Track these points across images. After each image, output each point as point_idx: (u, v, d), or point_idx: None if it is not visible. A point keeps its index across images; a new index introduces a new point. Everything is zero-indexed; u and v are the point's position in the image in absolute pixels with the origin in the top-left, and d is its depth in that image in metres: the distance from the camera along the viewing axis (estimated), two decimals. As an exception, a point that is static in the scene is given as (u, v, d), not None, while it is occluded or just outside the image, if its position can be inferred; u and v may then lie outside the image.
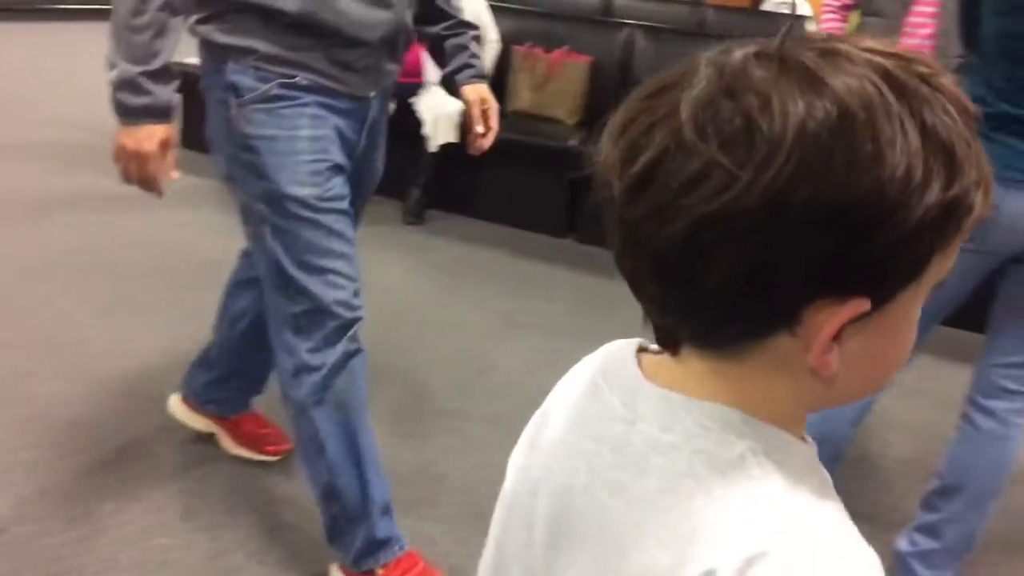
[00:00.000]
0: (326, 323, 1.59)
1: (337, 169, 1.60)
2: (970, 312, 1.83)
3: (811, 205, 0.44)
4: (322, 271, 1.58)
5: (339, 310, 1.59)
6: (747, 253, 0.46)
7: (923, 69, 0.47)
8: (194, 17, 1.57)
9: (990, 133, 1.66)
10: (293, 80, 1.54)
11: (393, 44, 1.65)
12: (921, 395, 2.54)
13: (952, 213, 0.46)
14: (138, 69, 1.47)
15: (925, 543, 1.89)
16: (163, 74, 1.50)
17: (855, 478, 2.20)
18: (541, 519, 0.61)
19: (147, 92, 1.49)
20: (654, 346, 0.59)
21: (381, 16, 1.58)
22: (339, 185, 1.60)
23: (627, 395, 0.57)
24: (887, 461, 2.39)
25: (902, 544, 1.93)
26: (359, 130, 1.67)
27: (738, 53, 0.48)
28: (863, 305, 0.47)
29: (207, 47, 1.58)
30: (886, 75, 0.46)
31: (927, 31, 2.63)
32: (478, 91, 1.87)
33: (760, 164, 0.44)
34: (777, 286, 0.47)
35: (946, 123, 0.46)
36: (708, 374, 0.53)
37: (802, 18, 5.51)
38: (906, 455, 2.42)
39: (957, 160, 0.46)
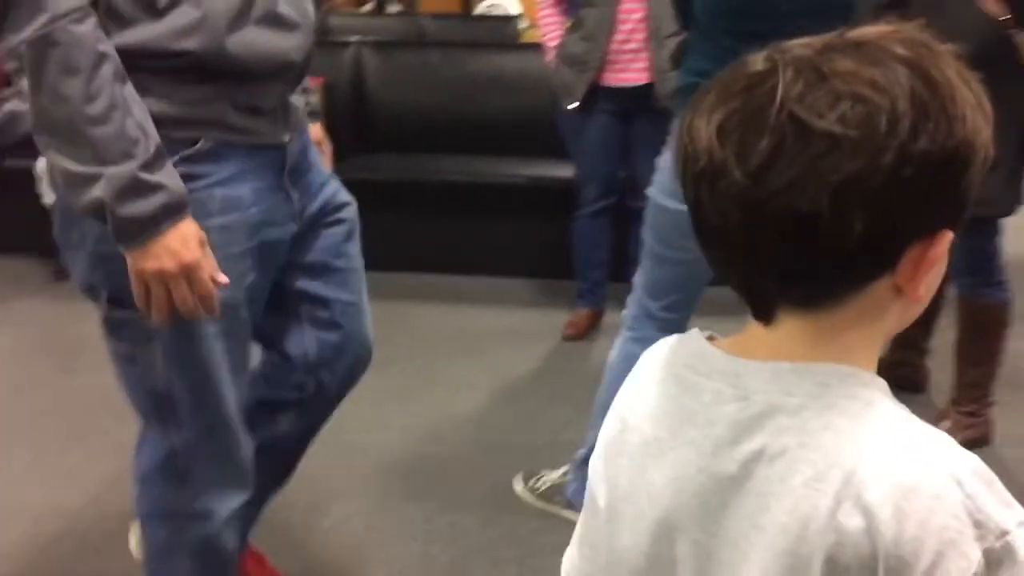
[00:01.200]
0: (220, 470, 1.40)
1: (247, 255, 1.33)
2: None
3: (928, 158, 0.54)
4: (220, 410, 1.36)
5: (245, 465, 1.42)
6: (874, 210, 0.55)
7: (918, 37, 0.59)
8: None
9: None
10: (195, 148, 1.24)
11: (301, 73, 1.39)
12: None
13: (990, 153, 0.58)
14: (132, 165, 1.12)
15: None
16: (161, 157, 1.16)
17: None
18: (650, 520, 0.66)
19: (157, 187, 1.15)
20: (707, 333, 0.67)
21: (291, 42, 1.31)
22: (251, 278, 1.35)
23: (730, 377, 0.63)
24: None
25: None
26: (279, 184, 1.38)
27: (800, 49, 0.58)
28: (949, 236, 0.58)
29: None
30: (912, 48, 0.57)
31: (639, 15, 2.77)
32: (315, 131, 1.64)
33: (887, 131, 0.54)
34: (895, 235, 0.57)
35: (966, 81, 0.58)
36: (807, 333, 0.61)
37: (514, 17, 5.70)
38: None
39: (986, 111, 0.58)
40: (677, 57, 1.93)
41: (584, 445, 2.09)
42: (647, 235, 1.95)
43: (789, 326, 0.62)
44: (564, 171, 3.28)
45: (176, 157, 1.21)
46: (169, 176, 1.17)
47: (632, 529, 0.68)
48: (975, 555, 0.54)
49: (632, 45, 2.80)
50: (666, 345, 0.70)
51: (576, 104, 2.90)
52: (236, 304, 1.32)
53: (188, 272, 1.18)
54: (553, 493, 2.16)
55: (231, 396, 1.37)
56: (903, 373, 2.66)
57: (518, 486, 2.20)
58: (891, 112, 0.54)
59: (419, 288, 3.52)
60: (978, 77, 0.59)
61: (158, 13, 1.18)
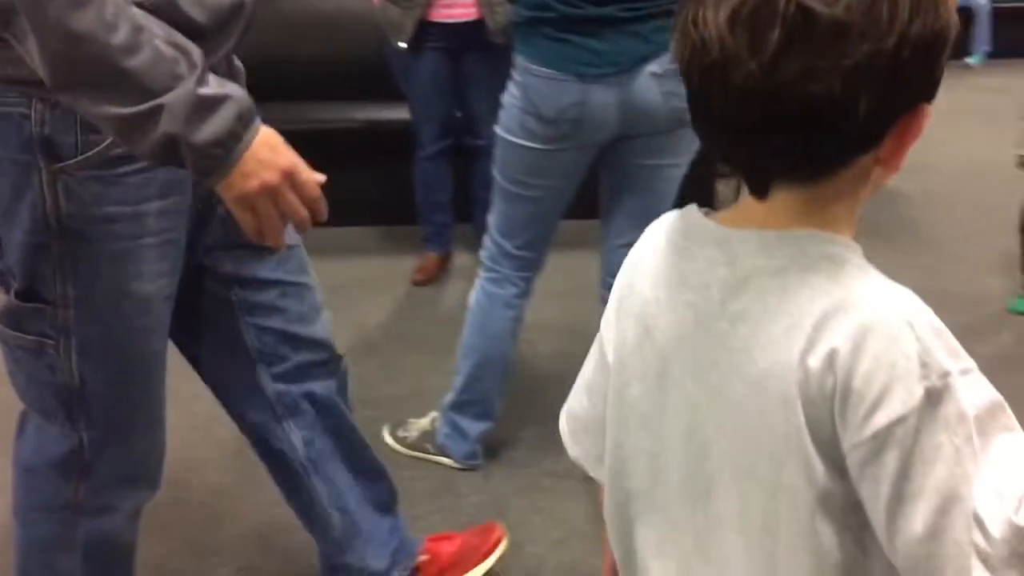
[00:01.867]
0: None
1: (183, 242, 1.21)
2: (581, 201, 1.96)
3: (922, 39, 0.61)
4: (139, 407, 1.25)
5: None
6: (877, 91, 0.60)
7: None
8: None
9: (559, 35, 1.74)
10: None
11: (248, 24, 1.20)
12: (563, 295, 2.70)
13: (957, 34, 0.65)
14: (189, 84, 0.96)
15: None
16: (206, 66, 0.99)
17: (524, 386, 2.29)
18: (653, 373, 0.74)
19: (222, 98, 0.98)
20: (704, 208, 0.74)
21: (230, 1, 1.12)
22: (178, 271, 1.23)
23: (721, 244, 0.70)
24: (541, 361, 2.54)
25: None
26: None
27: None
28: (928, 108, 0.65)
29: None
30: None
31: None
32: None
33: (888, 17, 0.59)
34: (890, 112, 0.63)
35: None
36: (799, 204, 0.67)
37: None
38: (558, 353, 2.58)
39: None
40: (514, -9, 1.90)
41: (450, 390, 2.09)
42: (496, 174, 1.94)
43: (782, 199, 0.68)
44: (400, 113, 3.19)
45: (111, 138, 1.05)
46: (224, 83, 1.01)
47: (640, 380, 0.76)
48: (918, 392, 0.61)
49: (460, -21, 2.75)
50: (667, 218, 0.77)
51: (406, 42, 2.82)
52: (168, 296, 1.22)
53: (291, 177, 1.04)
54: (423, 440, 2.15)
55: (153, 393, 1.27)
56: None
57: (387, 438, 2.18)
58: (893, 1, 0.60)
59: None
60: None
61: None
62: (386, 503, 1.56)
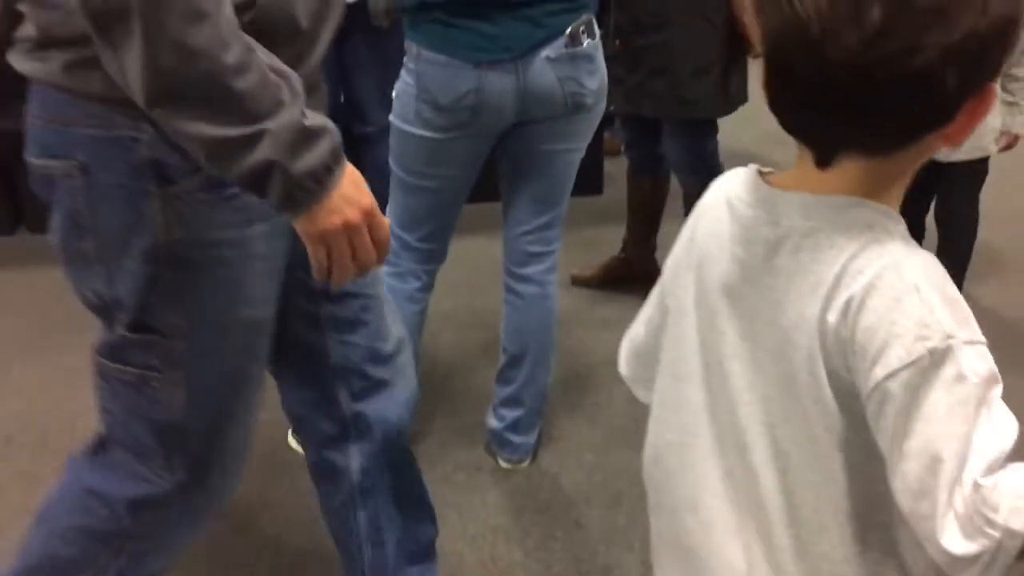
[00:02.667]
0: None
1: (283, 270, 1.17)
2: (477, 185, 1.92)
3: (1002, 20, 0.66)
4: (231, 442, 1.19)
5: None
6: (966, 69, 0.65)
7: None
8: (28, 40, 0.98)
9: (451, 20, 1.70)
10: None
11: (332, 39, 1.13)
12: (463, 282, 2.64)
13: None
14: (293, 112, 0.93)
15: (511, 414, 2.02)
16: (303, 96, 0.96)
17: (431, 379, 2.25)
18: (706, 321, 0.82)
19: (321, 130, 0.95)
20: (766, 169, 0.80)
21: None
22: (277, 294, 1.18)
23: (767, 205, 0.77)
24: (445, 352, 2.50)
25: (492, 422, 2.04)
26: None
27: None
28: (994, 87, 0.69)
29: (73, 97, 0.98)
30: None
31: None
32: None
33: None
34: (970, 91, 0.67)
35: None
36: (858, 173, 0.72)
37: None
38: (462, 342, 2.55)
39: None
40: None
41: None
42: (393, 165, 1.88)
43: (841, 168, 0.72)
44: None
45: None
46: (317, 115, 0.97)
47: (695, 326, 0.83)
48: (916, 350, 0.66)
49: (338, -39, 2.65)
50: (730, 176, 0.83)
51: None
52: (269, 320, 1.17)
53: (369, 218, 1.02)
54: (329, 443, 2.09)
55: (248, 425, 1.22)
56: (635, 269, 2.84)
57: (292, 441, 2.10)
58: None
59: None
60: None
61: None
62: (423, 552, 1.50)
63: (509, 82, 1.71)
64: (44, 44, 0.98)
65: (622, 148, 2.91)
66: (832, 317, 0.70)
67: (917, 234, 2.17)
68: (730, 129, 2.51)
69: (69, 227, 1.06)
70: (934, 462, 0.65)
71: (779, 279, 0.75)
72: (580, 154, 1.89)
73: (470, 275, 2.66)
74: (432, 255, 1.94)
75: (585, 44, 1.73)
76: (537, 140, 1.82)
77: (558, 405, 2.24)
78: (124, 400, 1.14)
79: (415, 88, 1.76)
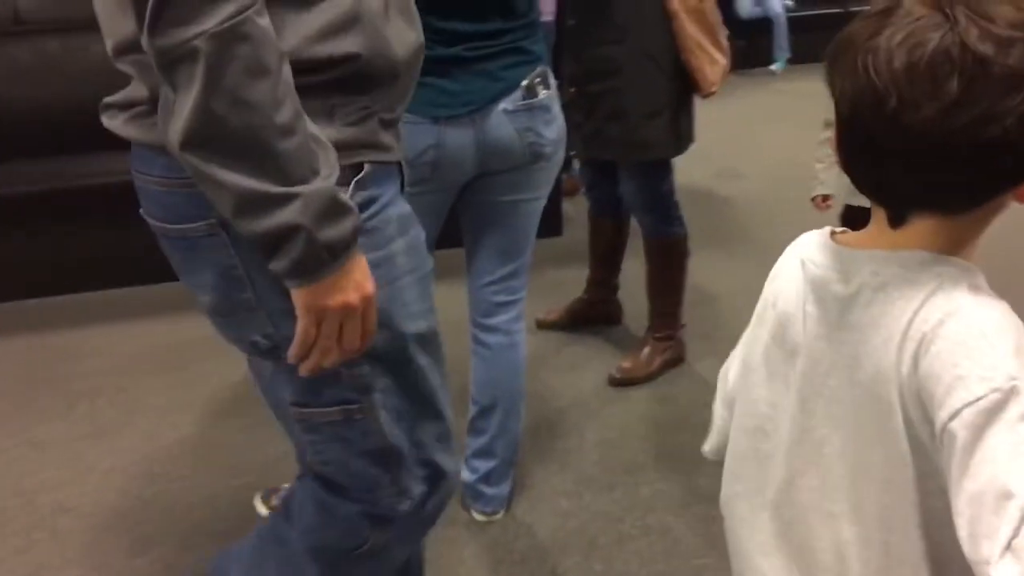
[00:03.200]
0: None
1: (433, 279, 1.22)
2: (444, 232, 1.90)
3: None
4: (441, 437, 1.22)
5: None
6: None
7: None
8: (138, 103, 1.01)
9: (409, 78, 1.71)
10: (364, 172, 1.06)
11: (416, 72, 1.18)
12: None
13: None
14: (329, 182, 0.96)
15: (484, 465, 2.01)
16: (337, 171, 0.99)
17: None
18: (779, 376, 0.87)
19: (350, 207, 0.98)
20: (839, 229, 0.83)
21: (416, 39, 1.13)
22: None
23: (839, 263, 0.80)
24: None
25: (465, 475, 2.02)
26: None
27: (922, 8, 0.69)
28: None
29: None
30: None
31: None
32: None
33: None
34: None
35: None
36: (931, 231, 0.75)
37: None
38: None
39: None
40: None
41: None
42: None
43: (919, 226, 0.75)
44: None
45: (350, 186, 1.03)
46: (348, 197, 1.00)
47: (766, 382, 0.88)
48: (978, 390, 0.67)
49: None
50: (805, 238, 0.87)
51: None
52: (435, 330, 1.20)
53: (367, 306, 1.03)
54: (300, 505, 2.05)
55: (446, 423, 1.25)
56: (599, 310, 2.86)
57: (261, 508, 2.06)
58: None
59: (91, 309, 3.13)
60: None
61: (307, 3, 0.97)
62: None
63: (468, 136, 1.73)
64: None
65: (583, 190, 2.94)
66: (904, 368, 0.72)
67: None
68: (683, 167, 2.55)
69: (227, 283, 1.07)
70: (1001, 499, 0.64)
71: (853, 334, 0.78)
72: (542, 203, 1.90)
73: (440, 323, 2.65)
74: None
75: (541, 95, 1.75)
76: (498, 192, 1.83)
77: (529, 451, 2.23)
78: (337, 441, 1.15)
79: (375, 145, 1.76)
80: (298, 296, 1.00)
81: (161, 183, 1.04)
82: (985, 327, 0.70)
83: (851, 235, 0.83)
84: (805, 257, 0.84)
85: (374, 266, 1.06)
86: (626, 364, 2.57)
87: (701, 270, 2.90)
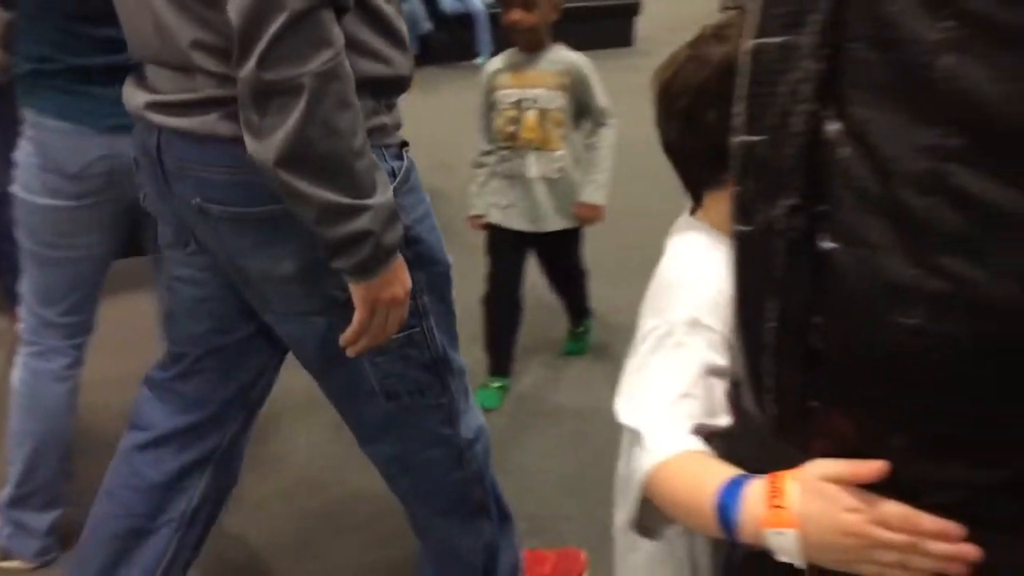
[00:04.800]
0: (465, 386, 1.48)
1: None
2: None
3: None
4: (452, 341, 1.43)
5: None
6: None
7: None
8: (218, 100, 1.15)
9: (74, 87, 1.64)
10: (406, 150, 1.29)
11: None
12: (119, 343, 2.49)
13: None
14: (390, 194, 1.16)
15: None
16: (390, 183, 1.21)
17: (92, 452, 2.11)
18: None
19: (399, 215, 1.18)
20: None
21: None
22: None
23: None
24: (112, 418, 2.35)
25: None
26: None
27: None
28: None
29: None
30: None
31: None
32: None
33: None
34: None
35: None
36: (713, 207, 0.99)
37: None
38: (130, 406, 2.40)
39: None
40: (6, 40, 1.73)
41: (5, 484, 1.86)
42: (24, 239, 1.76)
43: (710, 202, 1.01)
44: None
45: (404, 160, 1.27)
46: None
47: None
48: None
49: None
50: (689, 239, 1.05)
51: None
52: (450, 266, 1.39)
53: (406, 298, 1.22)
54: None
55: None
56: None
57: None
58: None
59: None
60: None
61: (405, 48, 1.23)
62: None
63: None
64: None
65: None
66: None
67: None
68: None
69: (310, 247, 1.17)
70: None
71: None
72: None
73: (124, 335, 2.52)
74: (77, 328, 1.83)
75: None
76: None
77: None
78: (400, 359, 1.34)
79: (38, 157, 1.67)
80: (357, 290, 1.17)
81: (217, 172, 1.18)
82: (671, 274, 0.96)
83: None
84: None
85: (425, 215, 1.31)
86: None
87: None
